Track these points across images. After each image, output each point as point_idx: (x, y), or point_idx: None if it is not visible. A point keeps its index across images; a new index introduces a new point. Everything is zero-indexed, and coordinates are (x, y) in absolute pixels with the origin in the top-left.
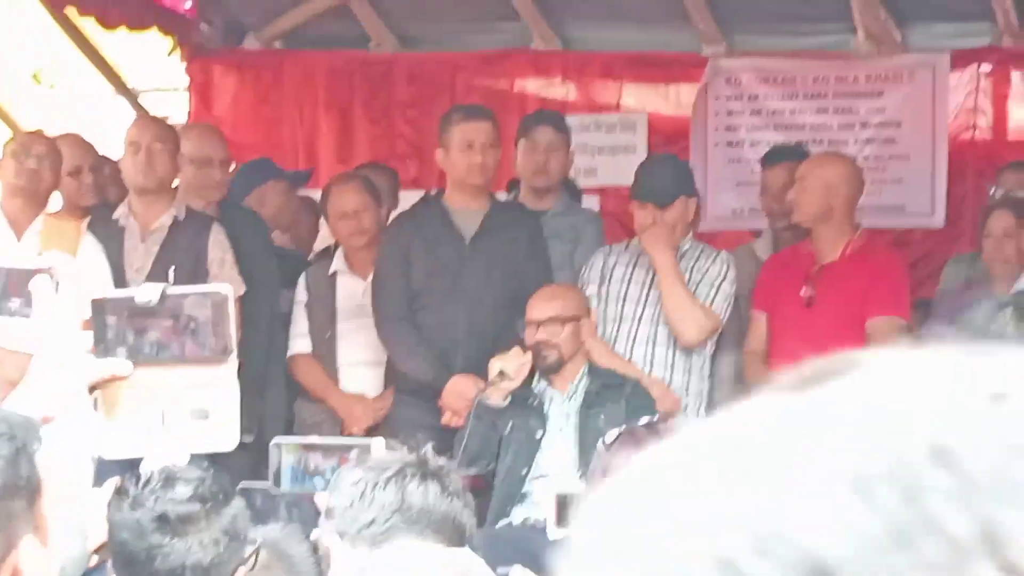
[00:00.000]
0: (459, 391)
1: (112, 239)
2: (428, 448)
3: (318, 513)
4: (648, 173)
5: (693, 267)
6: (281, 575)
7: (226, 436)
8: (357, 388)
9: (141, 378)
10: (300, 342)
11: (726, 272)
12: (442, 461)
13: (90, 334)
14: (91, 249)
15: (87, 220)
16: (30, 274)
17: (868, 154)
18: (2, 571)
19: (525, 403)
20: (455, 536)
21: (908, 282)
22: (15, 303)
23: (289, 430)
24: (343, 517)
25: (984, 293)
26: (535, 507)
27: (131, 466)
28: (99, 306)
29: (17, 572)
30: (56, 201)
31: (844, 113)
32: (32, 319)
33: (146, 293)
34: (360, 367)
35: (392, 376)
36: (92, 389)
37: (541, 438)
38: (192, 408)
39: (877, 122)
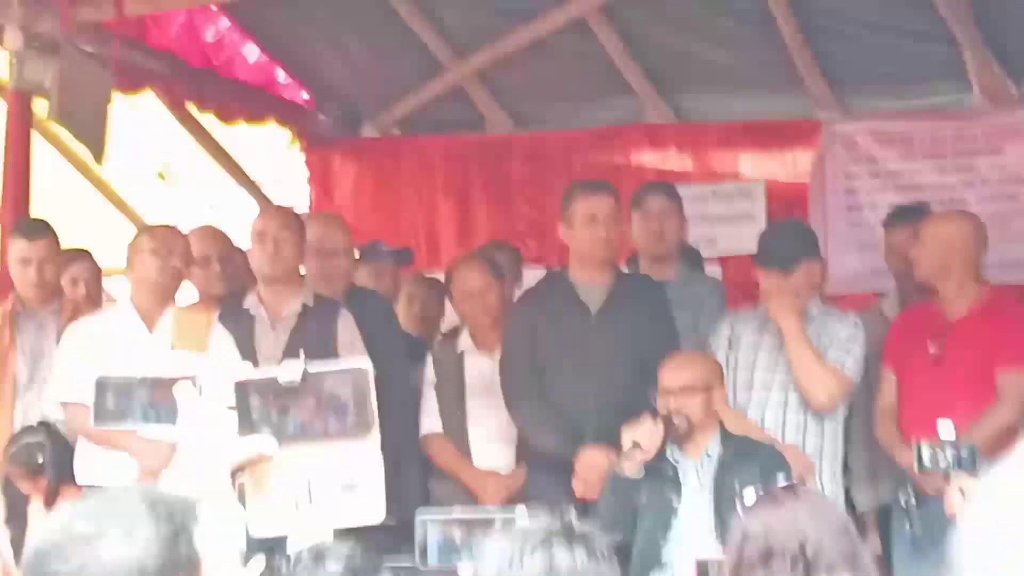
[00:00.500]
0: (592, 463)
1: (242, 328)
2: (573, 513)
3: None
4: (771, 238)
5: (822, 330)
6: None
7: (373, 508)
8: (490, 464)
9: (287, 456)
10: (431, 421)
11: (856, 334)
12: (587, 526)
13: (235, 416)
14: (222, 341)
15: (217, 313)
16: (173, 382)
17: (991, 211)
18: None
19: (660, 473)
20: None
21: None
22: (162, 410)
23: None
24: None
25: None
26: (674, 575)
27: (275, 549)
28: (242, 388)
29: None
30: (186, 294)
31: (964, 171)
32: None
33: (288, 373)
34: (492, 444)
35: (524, 452)
36: (239, 469)
37: (678, 506)
38: (338, 482)
39: (998, 179)
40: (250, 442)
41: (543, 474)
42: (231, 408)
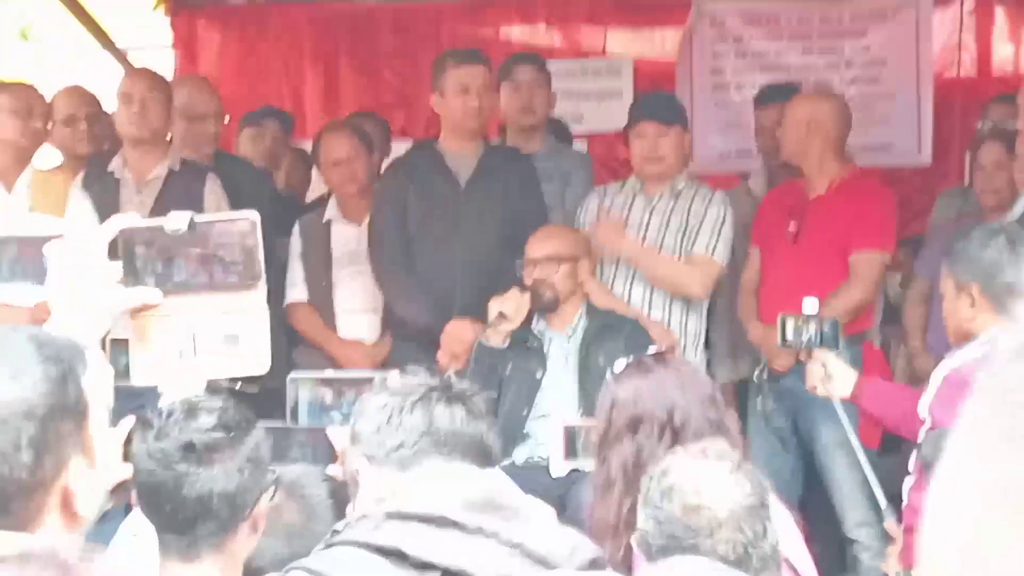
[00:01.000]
0: (458, 334)
1: (108, 191)
2: (451, 373)
3: (332, 450)
4: (647, 100)
5: (690, 209)
6: (295, 515)
7: (257, 360)
8: (355, 335)
9: (171, 306)
10: (296, 291)
11: (724, 214)
12: (465, 384)
13: (119, 264)
14: (81, 204)
15: (81, 174)
16: (41, 240)
17: (854, 93)
18: (53, 491)
19: (525, 344)
20: (482, 458)
21: (894, 216)
22: (29, 267)
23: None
24: (370, 442)
25: (976, 224)
26: (538, 446)
27: (146, 404)
28: (128, 236)
29: (68, 493)
30: (49, 158)
31: (829, 53)
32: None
33: (175, 222)
34: (357, 314)
35: (390, 322)
36: (121, 319)
37: (542, 378)
38: (223, 334)
39: (862, 61)
40: (134, 291)
41: (408, 344)
42: (113, 259)
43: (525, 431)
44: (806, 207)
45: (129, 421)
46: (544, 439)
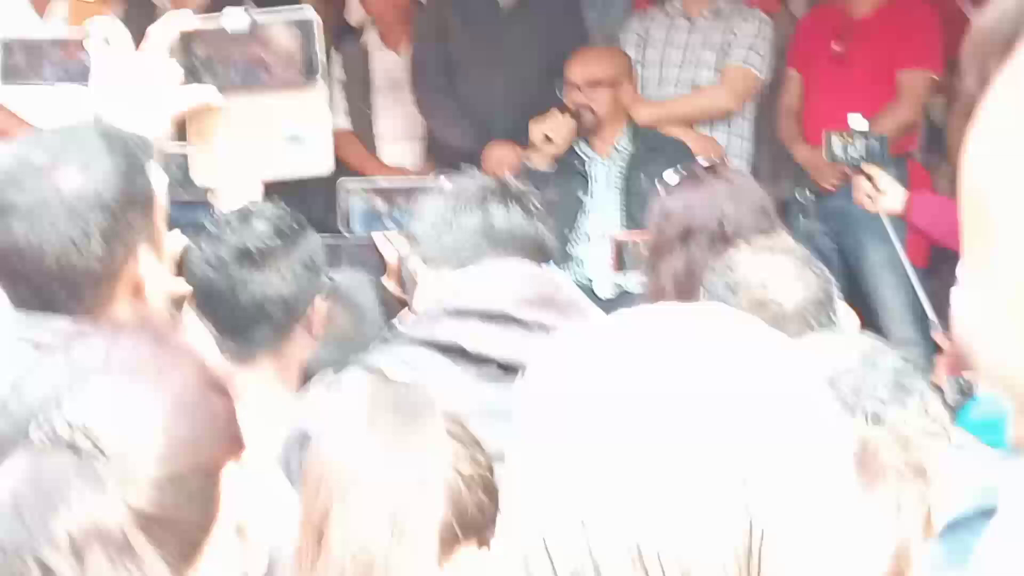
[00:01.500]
0: (500, 157)
1: (145, 21)
2: (508, 174)
3: (382, 262)
4: None
5: (729, 28)
6: (346, 320)
7: (321, 159)
8: (397, 162)
9: (232, 106)
10: (338, 119)
11: (763, 29)
12: (522, 184)
13: (177, 64)
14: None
15: (123, 8)
16: (81, 40)
17: None
18: (123, 280)
19: (569, 167)
20: (539, 257)
21: (941, 35)
22: (73, 69)
23: (332, 206)
24: (427, 242)
25: None
26: (582, 268)
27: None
28: (186, 37)
29: (139, 281)
30: None
31: None
32: (92, 82)
33: (234, 22)
34: (400, 141)
35: (432, 149)
36: (181, 119)
37: (585, 200)
38: (286, 134)
39: None
40: (194, 91)
41: (453, 171)
42: (173, 58)
43: (570, 254)
44: (851, 28)
45: (179, 238)
46: (589, 260)
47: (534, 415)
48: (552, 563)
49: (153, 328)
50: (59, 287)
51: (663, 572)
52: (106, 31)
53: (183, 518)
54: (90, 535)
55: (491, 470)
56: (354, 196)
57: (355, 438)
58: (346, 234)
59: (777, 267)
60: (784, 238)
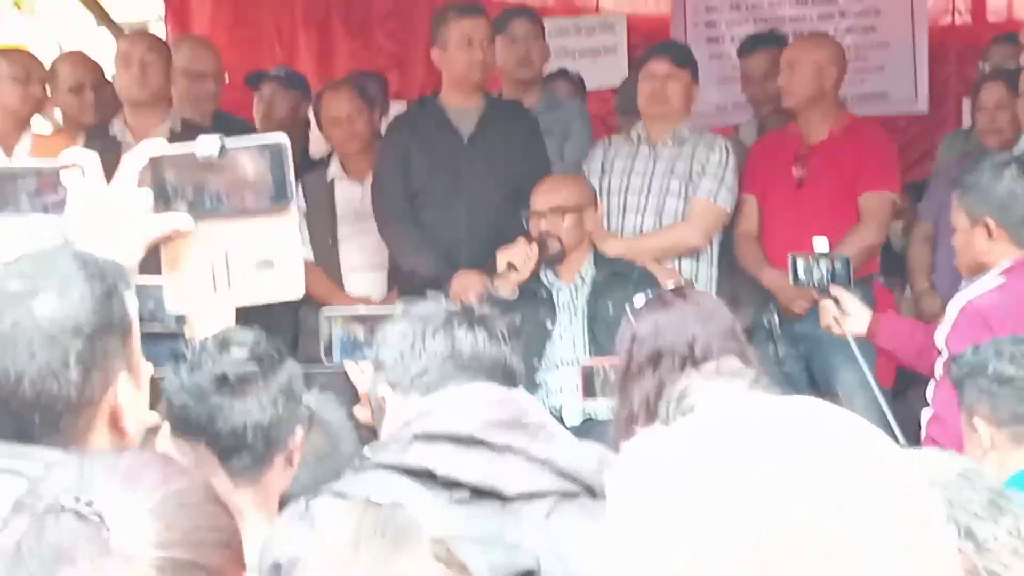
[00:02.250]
0: (466, 285)
1: (108, 155)
2: (473, 298)
3: (353, 389)
4: (660, 44)
5: (694, 155)
6: (318, 440)
7: (292, 284)
8: (361, 292)
9: (203, 232)
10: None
11: (726, 160)
12: (487, 309)
13: (149, 192)
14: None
15: (82, 140)
16: (58, 170)
17: (849, 43)
18: (101, 409)
19: (534, 295)
20: (507, 380)
21: (897, 158)
22: (49, 200)
23: (295, 340)
24: (394, 369)
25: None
26: (549, 396)
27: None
28: (158, 164)
29: (116, 410)
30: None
31: (823, 3)
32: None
33: (206, 147)
34: (363, 271)
35: (396, 277)
36: (153, 246)
37: (552, 328)
38: (257, 259)
39: (856, 11)
40: (165, 218)
41: (417, 300)
42: (143, 186)
43: (537, 382)
44: (809, 152)
45: (149, 368)
46: (556, 388)
47: (629, 514)
48: None
49: (158, 451)
50: (36, 415)
51: None
52: (80, 160)
53: None
54: None
55: None
56: (335, 325)
57: (341, 564)
58: (327, 363)
59: (729, 391)
60: (732, 362)
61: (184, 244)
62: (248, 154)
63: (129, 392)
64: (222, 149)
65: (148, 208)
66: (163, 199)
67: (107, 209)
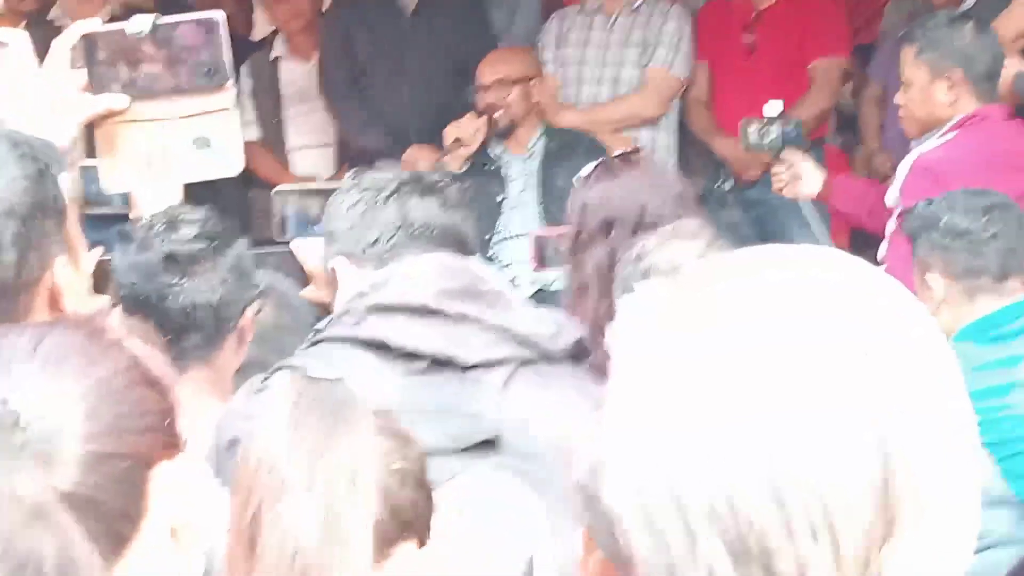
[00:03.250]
0: (416, 161)
1: (48, 40)
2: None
3: (300, 269)
4: None
5: (648, 23)
6: (271, 314)
7: (230, 161)
8: (309, 171)
9: (137, 111)
10: (248, 130)
11: (682, 27)
12: (438, 175)
13: (82, 72)
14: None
15: (22, 24)
16: None
17: None
18: (39, 291)
19: (483, 169)
20: (460, 247)
21: (847, 21)
22: None
23: (246, 219)
24: (345, 240)
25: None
26: (503, 269)
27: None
28: (90, 41)
29: (55, 290)
30: None
31: None
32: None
33: (138, 24)
34: (311, 150)
35: (344, 156)
36: (88, 126)
37: (502, 201)
38: (193, 136)
39: None
40: (99, 98)
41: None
42: (75, 66)
43: (489, 255)
44: (759, 18)
45: (96, 252)
46: (509, 260)
47: (647, 358)
48: (683, 512)
49: (86, 323)
50: None
51: (801, 506)
52: (7, 38)
53: (108, 503)
54: (7, 503)
55: (423, 466)
56: (288, 202)
57: (282, 440)
58: (279, 241)
59: (685, 251)
60: (689, 223)
61: (119, 124)
62: (180, 28)
63: (68, 275)
64: (154, 26)
65: (79, 86)
66: (96, 79)
67: (38, 89)
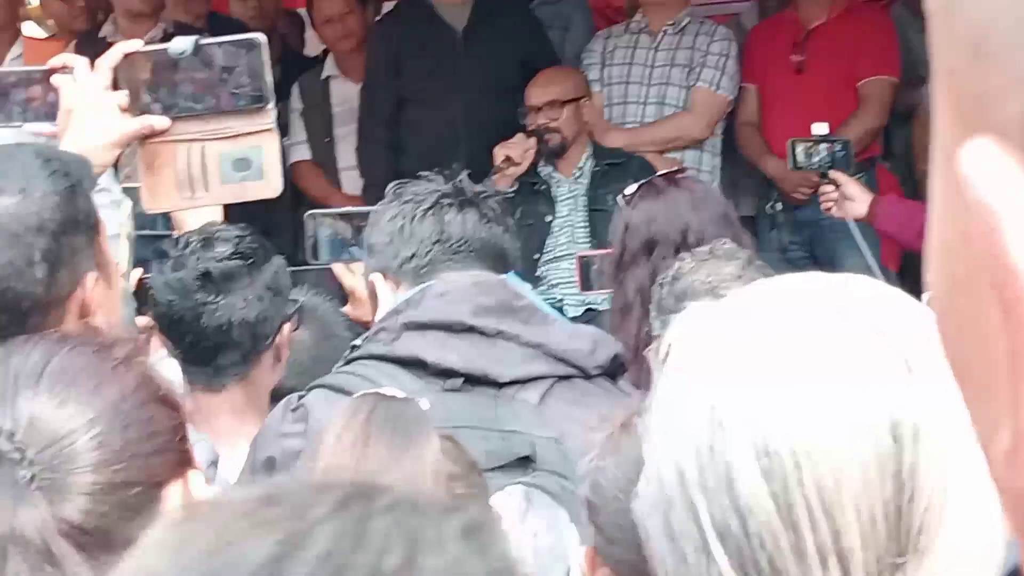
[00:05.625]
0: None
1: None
2: (464, 176)
3: (340, 288)
4: None
5: (695, 44)
6: (314, 333)
7: (270, 184)
8: (358, 191)
9: (178, 132)
10: (299, 150)
11: (728, 48)
12: (479, 188)
13: (123, 93)
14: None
15: (73, 43)
16: (47, 73)
17: None
18: (70, 307)
19: (533, 189)
20: (498, 263)
21: (897, 40)
22: (35, 106)
23: (297, 239)
24: (383, 254)
25: None
26: (550, 289)
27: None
28: (133, 64)
29: (86, 305)
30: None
31: None
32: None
33: (180, 45)
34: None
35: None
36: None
37: (551, 221)
38: (233, 158)
39: None
40: (140, 119)
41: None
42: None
43: (537, 274)
44: (808, 37)
45: (137, 272)
46: (557, 281)
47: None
48: (700, 528)
49: (97, 340)
50: (2, 315)
51: (811, 529)
52: (72, 63)
53: (118, 533)
54: (8, 541)
55: (486, 494)
56: (321, 225)
57: (351, 454)
58: (312, 263)
59: (724, 270)
60: (726, 244)
61: (160, 144)
62: (223, 52)
63: (98, 290)
64: (196, 47)
65: (120, 105)
66: (136, 98)
67: (82, 110)
